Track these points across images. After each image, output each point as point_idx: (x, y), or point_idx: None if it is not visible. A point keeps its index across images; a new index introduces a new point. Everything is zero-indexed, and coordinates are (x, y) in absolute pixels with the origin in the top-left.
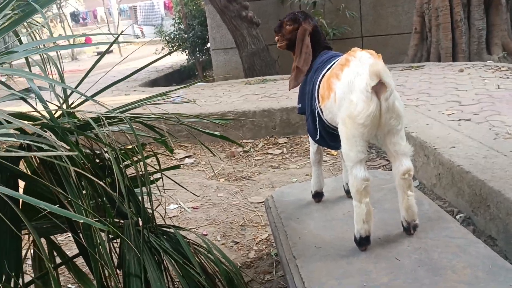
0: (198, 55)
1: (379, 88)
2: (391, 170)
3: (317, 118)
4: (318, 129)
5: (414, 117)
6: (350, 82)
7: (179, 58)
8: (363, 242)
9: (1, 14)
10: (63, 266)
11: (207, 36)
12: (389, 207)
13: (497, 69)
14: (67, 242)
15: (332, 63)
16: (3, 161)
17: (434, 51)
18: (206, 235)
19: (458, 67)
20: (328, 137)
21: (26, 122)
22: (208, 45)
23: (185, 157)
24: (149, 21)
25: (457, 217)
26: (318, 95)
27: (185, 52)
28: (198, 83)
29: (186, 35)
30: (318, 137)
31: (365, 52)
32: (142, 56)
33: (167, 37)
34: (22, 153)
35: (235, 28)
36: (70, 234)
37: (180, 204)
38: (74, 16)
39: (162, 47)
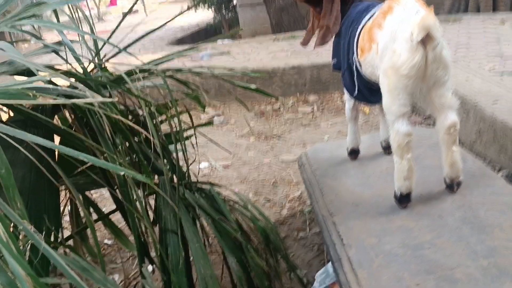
0: (224, 13)
1: (425, 38)
2: (427, 126)
3: (355, 73)
4: (356, 84)
5: (452, 72)
6: (393, 30)
7: (206, 15)
8: (403, 200)
9: None
10: (98, 222)
11: None
12: (430, 164)
13: None
14: (101, 199)
15: (371, 13)
16: (40, 115)
17: (473, 2)
18: (237, 193)
19: (499, 18)
20: (367, 92)
21: (61, 74)
22: (235, 1)
23: (214, 116)
24: None
25: (499, 174)
26: (357, 48)
27: (211, 9)
28: (224, 40)
29: None
30: (356, 93)
31: None
32: (169, 16)
33: None
34: (61, 101)
35: None
36: (102, 192)
37: (211, 162)
38: None
39: (188, 5)
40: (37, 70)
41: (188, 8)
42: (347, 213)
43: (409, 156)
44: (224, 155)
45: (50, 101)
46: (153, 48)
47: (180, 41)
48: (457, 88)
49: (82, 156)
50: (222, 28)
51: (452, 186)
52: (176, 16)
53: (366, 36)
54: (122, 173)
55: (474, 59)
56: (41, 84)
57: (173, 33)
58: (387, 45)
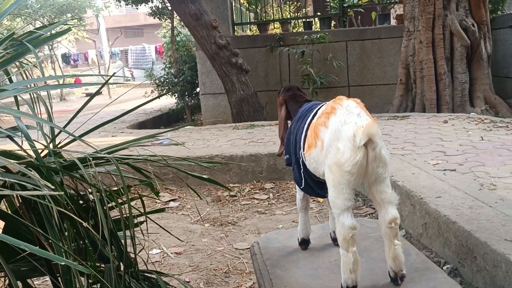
0: (187, 99)
1: (367, 141)
2: (377, 218)
3: (301, 167)
4: (303, 178)
5: (400, 166)
6: (337, 130)
7: (168, 101)
8: None
9: None
10: None
11: (196, 81)
12: (376, 256)
13: (480, 121)
14: (44, 286)
15: (314, 112)
16: None
17: (419, 102)
18: (188, 282)
19: (442, 118)
20: (315, 185)
21: (11, 161)
22: (198, 89)
23: (170, 201)
24: (140, 65)
25: (444, 268)
26: (303, 144)
27: (175, 95)
28: (186, 127)
29: (176, 79)
30: (303, 186)
31: (351, 101)
32: (131, 98)
33: (157, 81)
34: (6, 192)
35: (224, 74)
36: (47, 279)
37: (163, 249)
38: (66, 58)
39: (152, 90)
40: None
41: (158, 97)
42: None
43: (354, 248)
44: (177, 241)
45: None
46: (113, 131)
47: (141, 125)
48: (404, 182)
49: (22, 245)
50: (184, 114)
51: (396, 279)
52: (146, 103)
53: (313, 133)
54: (62, 263)
55: (420, 155)
56: None
57: (134, 116)
58: (331, 143)
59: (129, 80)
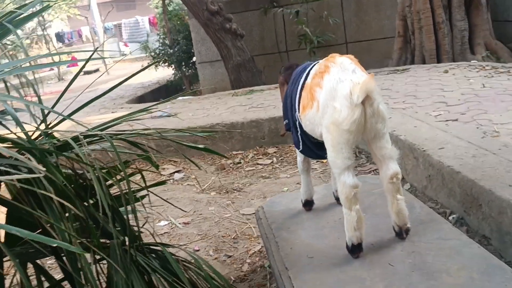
0: (184, 69)
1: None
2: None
3: (298, 129)
4: (301, 140)
5: (401, 120)
6: (333, 89)
7: (166, 73)
8: (355, 250)
9: None
10: None
11: (192, 50)
12: (380, 212)
13: (482, 68)
14: (56, 266)
15: (307, 72)
16: None
17: (418, 53)
18: (198, 250)
19: (443, 68)
20: (313, 147)
21: (1, 145)
22: (194, 59)
23: (174, 172)
24: (134, 38)
25: (450, 218)
26: (299, 105)
27: (172, 67)
28: (183, 97)
29: (171, 50)
30: (302, 148)
31: (345, 58)
32: (129, 73)
33: (153, 53)
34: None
35: (219, 41)
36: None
37: (170, 220)
38: (59, 37)
39: (148, 63)
40: None
41: (148, 67)
42: (302, 266)
43: (357, 207)
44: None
45: None
46: (113, 107)
47: (140, 99)
48: (407, 136)
49: (25, 233)
50: (183, 84)
51: (401, 233)
52: (133, 75)
53: (308, 94)
54: (54, 245)
55: (421, 107)
56: None
57: (133, 90)
58: (327, 102)
59: (124, 54)
